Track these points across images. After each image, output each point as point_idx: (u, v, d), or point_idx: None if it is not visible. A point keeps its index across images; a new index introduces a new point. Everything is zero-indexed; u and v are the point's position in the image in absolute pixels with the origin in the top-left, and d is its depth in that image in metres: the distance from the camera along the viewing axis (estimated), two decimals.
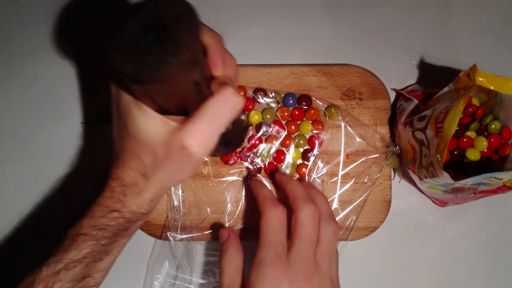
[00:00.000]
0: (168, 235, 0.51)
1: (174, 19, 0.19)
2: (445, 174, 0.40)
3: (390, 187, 0.52)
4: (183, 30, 0.19)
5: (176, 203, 0.52)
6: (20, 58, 0.57)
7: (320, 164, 0.52)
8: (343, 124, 0.53)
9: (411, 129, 0.47)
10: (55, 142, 0.55)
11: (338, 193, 0.52)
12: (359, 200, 0.52)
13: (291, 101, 0.52)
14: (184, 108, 0.28)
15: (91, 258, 0.36)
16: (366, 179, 0.52)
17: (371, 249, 0.54)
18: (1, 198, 0.55)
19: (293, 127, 0.52)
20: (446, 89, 0.44)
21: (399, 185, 0.54)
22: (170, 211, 0.52)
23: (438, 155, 0.40)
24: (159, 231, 0.52)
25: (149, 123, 0.32)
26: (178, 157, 0.33)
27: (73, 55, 0.57)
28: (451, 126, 0.40)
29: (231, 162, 0.52)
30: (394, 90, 0.55)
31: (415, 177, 0.48)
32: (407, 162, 0.49)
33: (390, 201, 0.52)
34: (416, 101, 0.48)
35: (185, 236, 0.51)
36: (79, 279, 0.35)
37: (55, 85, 0.56)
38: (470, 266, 0.54)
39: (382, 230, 0.52)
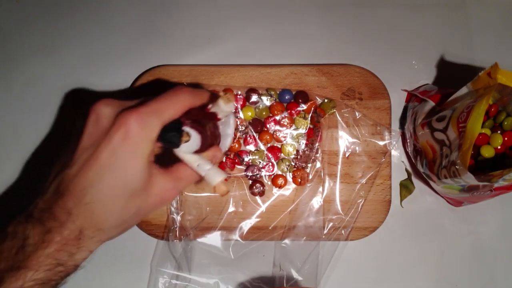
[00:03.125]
0: (169, 235, 0.51)
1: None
2: (469, 174, 0.39)
3: (390, 187, 0.52)
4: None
5: (175, 203, 0.52)
6: (20, 58, 0.57)
7: (319, 164, 0.52)
8: (343, 124, 0.53)
9: (429, 130, 0.47)
10: (56, 142, 0.55)
11: (337, 193, 0.52)
12: (358, 200, 0.52)
13: (287, 97, 0.52)
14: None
15: None
16: (365, 179, 0.52)
17: (371, 249, 0.54)
18: (1, 198, 0.55)
19: (288, 122, 0.52)
20: (464, 89, 0.44)
21: (398, 185, 0.55)
22: (170, 211, 0.52)
23: (462, 155, 0.40)
24: (160, 232, 0.52)
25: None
26: (116, 134, 0.32)
27: (73, 54, 0.57)
28: (476, 126, 0.39)
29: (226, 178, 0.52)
30: (406, 91, 0.55)
31: (430, 179, 0.48)
32: (426, 163, 0.49)
33: (390, 201, 0.52)
34: (432, 102, 0.48)
35: (189, 236, 0.51)
36: None
37: (55, 85, 0.56)
38: (470, 266, 0.54)
39: (382, 230, 0.52)
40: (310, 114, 0.52)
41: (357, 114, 0.52)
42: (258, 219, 0.52)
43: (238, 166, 0.52)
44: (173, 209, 0.52)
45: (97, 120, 0.34)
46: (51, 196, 0.33)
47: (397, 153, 0.55)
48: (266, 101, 0.52)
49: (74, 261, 0.34)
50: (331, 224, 0.52)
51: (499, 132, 0.47)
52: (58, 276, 0.33)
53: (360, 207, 0.52)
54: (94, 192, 0.33)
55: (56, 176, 0.34)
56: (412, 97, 0.55)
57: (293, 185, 0.52)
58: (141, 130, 0.33)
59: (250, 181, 0.52)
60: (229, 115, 0.41)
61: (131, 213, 0.35)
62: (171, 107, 0.35)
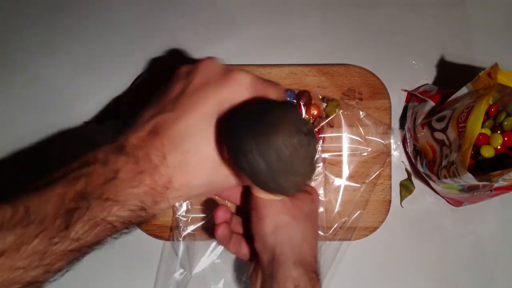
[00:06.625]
0: (174, 235, 0.51)
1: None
2: (469, 174, 0.39)
3: (390, 187, 0.52)
4: None
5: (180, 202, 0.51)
6: (20, 58, 0.57)
7: (321, 165, 0.52)
8: (345, 123, 0.53)
9: (429, 130, 0.47)
10: (56, 142, 0.55)
11: (340, 193, 0.52)
12: (361, 201, 0.52)
13: (289, 99, 0.52)
14: None
15: (84, 249, 0.30)
16: (367, 179, 0.52)
17: (371, 249, 0.54)
18: (1, 198, 0.55)
19: None
20: (464, 89, 0.44)
21: (398, 186, 0.55)
22: (177, 210, 0.51)
23: (461, 155, 0.40)
24: (167, 232, 0.52)
25: None
26: (229, 83, 0.33)
27: (73, 54, 0.57)
28: (475, 126, 0.39)
29: None
30: (406, 91, 0.55)
31: (430, 179, 0.48)
32: (426, 163, 0.49)
33: (390, 201, 0.52)
34: (431, 102, 0.48)
35: (188, 234, 0.51)
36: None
37: (55, 85, 0.56)
38: (470, 266, 0.54)
39: (382, 230, 0.52)
40: (315, 119, 0.52)
41: (360, 113, 0.52)
42: None
43: None
44: (179, 207, 0.51)
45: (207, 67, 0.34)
46: (146, 135, 0.32)
47: (397, 153, 0.55)
48: None
49: (154, 210, 0.32)
50: (333, 224, 0.52)
51: (499, 132, 0.47)
52: (136, 220, 0.32)
53: (362, 207, 0.52)
54: (193, 142, 0.32)
55: (153, 117, 0.33)
56: (412, 97, 0.55)
57: None
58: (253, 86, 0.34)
59: None
60: None
61: (222, 175, 0.34)
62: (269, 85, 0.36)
